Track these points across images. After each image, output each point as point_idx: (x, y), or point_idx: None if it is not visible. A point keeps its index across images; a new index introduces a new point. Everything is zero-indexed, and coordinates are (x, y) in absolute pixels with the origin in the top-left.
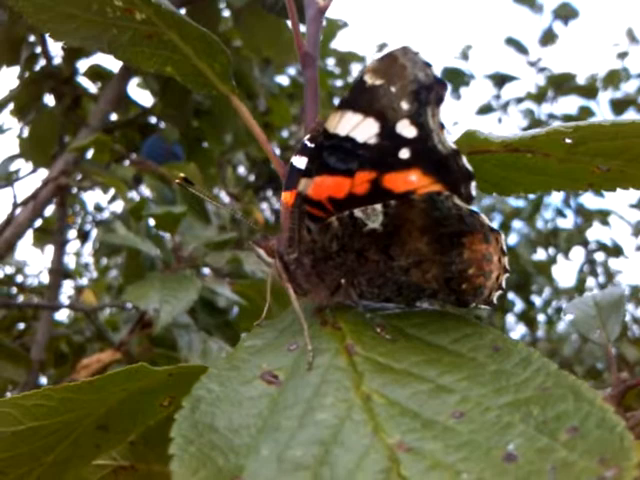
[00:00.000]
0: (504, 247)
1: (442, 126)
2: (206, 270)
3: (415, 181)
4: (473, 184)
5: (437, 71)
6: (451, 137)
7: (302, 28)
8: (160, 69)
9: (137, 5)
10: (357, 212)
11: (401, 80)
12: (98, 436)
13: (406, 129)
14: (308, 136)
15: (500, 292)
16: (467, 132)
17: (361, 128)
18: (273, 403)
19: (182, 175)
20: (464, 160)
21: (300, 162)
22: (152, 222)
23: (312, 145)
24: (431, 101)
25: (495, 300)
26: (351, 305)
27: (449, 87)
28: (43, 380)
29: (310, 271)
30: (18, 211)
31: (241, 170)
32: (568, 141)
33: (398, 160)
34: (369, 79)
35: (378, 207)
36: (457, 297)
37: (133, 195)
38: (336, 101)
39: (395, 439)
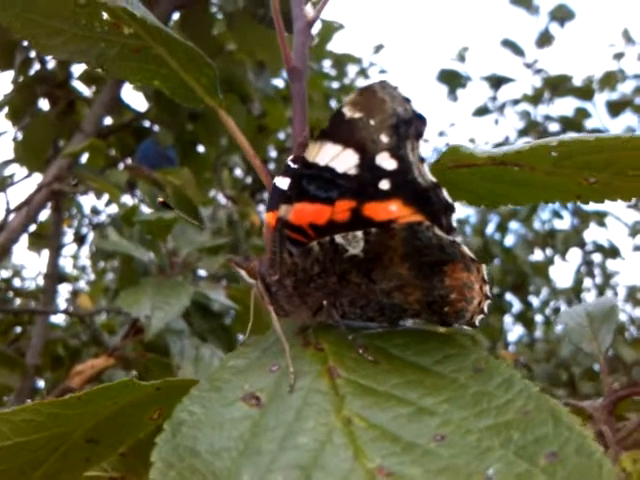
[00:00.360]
0: (485, 276)
1: (422, 160)
2: (203, 272)
3: (395, 211)
4: (453, 215)
5: (416, 106)
6: (429, 167)
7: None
8: (148, 83)
9: (124, 20)
10: (338, 238)
11: (380, 114)
12: (88, 449)
13: (386, 161)
14: (291, 157)
15: (482, 316)
16: (452, 147)
17: (341, 159)
18: (254, 426)
19: (160, 199)
20: (444, 193)
21: (283, 183)
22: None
23: (295, 166)
24: (410, 135)
25: (477, 323)
26: (333, 325)
27: (427, 121)
28: (40, 383)
29: (292, 292)
30: (12, 217)
31: (237, 172)
32: (554, 154)
33: (378, 190)
34: (348, 112)
35: (359, 234)
36: (440, 318)
37: (128, 199)
38: (332, 103)
39: (375, 463)
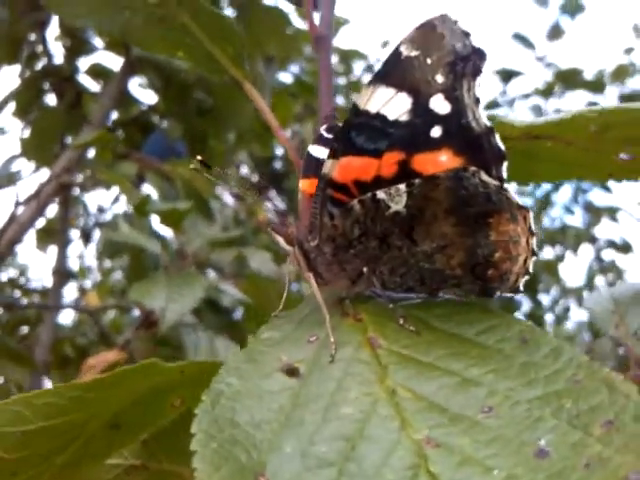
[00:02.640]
0: (532, 226)
1: (477, 101)
2: (210, 273)
3: (445, 162)
4: (504, 165)
5: (475, 40)
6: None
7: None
8: (172, 53)
9: None
10: (380, 193)
11: (438, 51)
12: (110, 435)
13: (440, 104)
14: (325, 126)
15: (527, 277)
16: (491, 117)
17: (393, 104)
18: (295, 397)
19: (199, 158)
20: (497, 139)
21: (317, 151)
22: (156, 221)
23: (329, 135)
24: (467, 73)
25: (521, 286)
26: (372, 296)
27: (487, 56)
28: (48, 384)
29: (331, 260)
30: (20, 210)
31: (244, 170)
32: (593, 128)
33: (429, 139)
34: (405, 50)
35: (402, 187)
36: (482, 285)
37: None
38: (338, 99)
39: (423, 434)
